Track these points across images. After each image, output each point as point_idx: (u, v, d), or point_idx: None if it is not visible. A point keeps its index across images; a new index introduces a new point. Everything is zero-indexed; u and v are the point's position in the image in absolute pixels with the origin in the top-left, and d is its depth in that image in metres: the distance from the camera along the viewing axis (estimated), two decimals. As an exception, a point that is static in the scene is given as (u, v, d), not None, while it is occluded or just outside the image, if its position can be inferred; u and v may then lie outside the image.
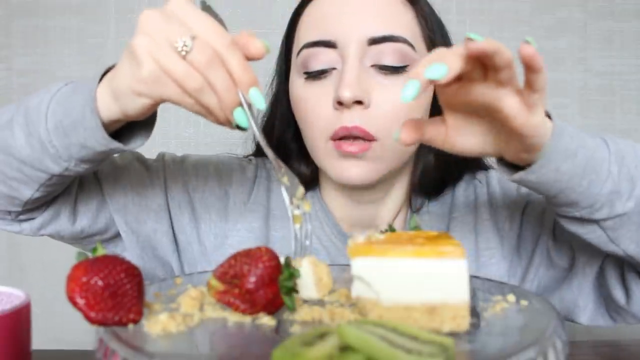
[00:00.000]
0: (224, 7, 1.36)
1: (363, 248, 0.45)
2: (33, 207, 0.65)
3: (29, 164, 0.58)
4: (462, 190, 0.80)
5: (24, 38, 1.39)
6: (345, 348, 0.35)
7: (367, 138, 0.66)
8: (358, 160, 0.67)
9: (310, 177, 0.78)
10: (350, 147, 0.66)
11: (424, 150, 0.77)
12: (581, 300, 0.70)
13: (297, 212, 0.54)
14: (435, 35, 0.72)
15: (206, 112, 0.51)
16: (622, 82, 1.43)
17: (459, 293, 0.43)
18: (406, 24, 0.69)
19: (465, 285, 0.43)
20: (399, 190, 0.77)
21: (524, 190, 0.77)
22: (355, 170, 0.67)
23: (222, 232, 0.76)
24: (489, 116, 0.51)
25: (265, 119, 0.81)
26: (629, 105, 1.44)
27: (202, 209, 0.77)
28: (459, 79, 0.49)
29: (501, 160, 0.57)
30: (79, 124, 0.54)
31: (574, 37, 1.42)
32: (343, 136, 0.66)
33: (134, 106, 0.52)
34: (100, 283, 0.42)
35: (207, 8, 0.54)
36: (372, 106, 0.66)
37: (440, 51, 0.47)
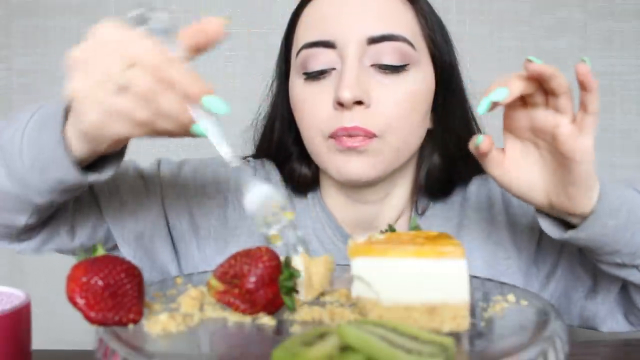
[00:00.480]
0: (224, 7, 1.36)
1: (363, 248, 0.45)
2: (30, 229, 0.64)
3: (14, 196, 0.57)
4: (474, 192, 0.78)
5: (24, 38, 1.39)
6: (345, 348, 0.35)
7: (368, 135, 0.66)
8: (359, 155, 0.67)
9: (312, 179, 0.78)
10: (350, 141, 0.65)
11: (428, 149, 0.76)
12: (603, 312, 0.70)
13: (272, 232, 0.52)
14: (436, 34, 0.72)
15: (167, 134, 0.49)
16: (622, 83, 1.43)
17: (459, 293, 0.43)
18: (406, 23, 0.69)
19: (466, 285, 0.43)
20: (401, 191, 0.77)
21: None
22: (355, 165, 0.67)
23: (222, 238, 0.76)
24: (545, 143, 0.56)
25: (266, 120, 0.81)
26: (629, 106, 1.44)
27: (201, 215, 0.76)
28: (524, 104, 0.55)
29: (544, 218, 0.61)
30: (52, 162, 0.53)
31: (574, 37, 1.42)
32: (341, 136, 0.66)
33: (100, 146, 0.50)
34: (100, 283, 0.42)
35: (143, 15, 0.50)
36: (373, 105, 0.66)
37: (505, 76, 0.53)
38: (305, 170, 0.78)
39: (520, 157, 0.58)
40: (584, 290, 0.71)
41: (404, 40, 0.67)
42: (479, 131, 0.78)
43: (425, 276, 0.43)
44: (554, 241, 0.71)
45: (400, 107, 0.67)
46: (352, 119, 0.65)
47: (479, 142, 0.57)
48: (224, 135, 0.49)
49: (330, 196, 0.78)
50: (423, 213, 0.77)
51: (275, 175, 0.81)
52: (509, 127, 0.59)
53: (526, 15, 1.42)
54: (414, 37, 0.69)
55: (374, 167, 0.67)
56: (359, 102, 0.65)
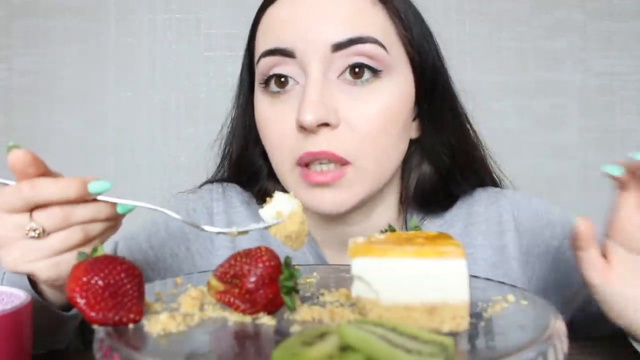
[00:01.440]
0: (224, 7, 1.36)
1: (363, 248, 0.45)
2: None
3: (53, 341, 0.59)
4: (482, 215, 0.71)
5: (25, 38, 1.40)
6: (345, 348, 0.35)
7: (340, 162, 0.59)
8: (331, 189, 0.61)
9: None
10: (320, 176, 0.59)
11: (415, 159, 0.71)
12: (597, 332, 0.65)
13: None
14: (414, 34, 0.64)
15: (109, 232, 0.51)
16: (622, 83, 1.43)
17: (459, 293, 0.43)
18: (376, 24, 0.61)
19: (465, 285, 0.43)
20: (385, 208, 0.71)
21: (558, 231, 0.70)
22: (328, 200, 0.61)
23: None
24: None
25: (228, 136, 0.77)
26: (629, 106, 1.44)
27: (172, 276, 0.73)
28: None
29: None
30: (40, 318, 0.53)
31: (573, 37, 1.42)
32: (308, 162, 0.60)
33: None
34: (100, 283, 0.42)
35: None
36: (342, 125, 0.59)
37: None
38: (273, 187, 0.71)
39: (628, 270, 0.51)
40: (591, 321, 0.67)
41: (374, 41, 0.59)
42: (475, 135, 0.73)
43: (425, 276, 0.43)
44: (572, 273, 0.64)
45: (373, 125, 0.60)
46: (318, 142, 0.59)
47: (576, 225, 0.51)
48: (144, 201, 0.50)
49: (310, 217, 0.71)
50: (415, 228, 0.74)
51: (237, 201, 0.76)
52: (620, 237, 0.51)
53: (525, 16, 1.42)
54: (387, 39, 0.61)
55: (348, 199, 0.61)
56: (325, 124, 0.59)
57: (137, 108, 1.41)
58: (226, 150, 0.77)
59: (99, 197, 0.48)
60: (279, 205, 0.50)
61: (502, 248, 0.70)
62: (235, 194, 0.76)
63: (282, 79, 0.62)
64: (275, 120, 0.62)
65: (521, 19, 1.41)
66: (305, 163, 0.60)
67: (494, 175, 0.76)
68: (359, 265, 0.44)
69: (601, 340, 0.64)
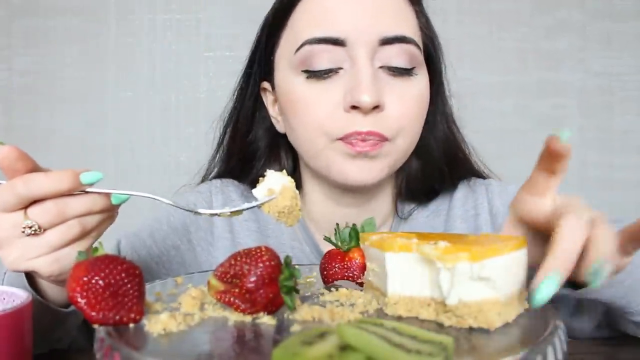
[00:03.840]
0: (224, 7, 1.37)
1: (484, 250, 0.42)
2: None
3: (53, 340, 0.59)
4: (460, 200, 0.77)
5: (25, 38, 1.40)
6: (345, 348, 0.35)
7: (381, 139, 0.64)
8: (369, 159, 0.65)
9: None
10: (364, 144, 0.64)
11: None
12: (589, 328, 0.67)
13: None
14: (432, 36, 0.72)
15: (107, 223, 0.51)
16: (621, 83, 1.43)
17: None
18: (412, 24, 0.68)
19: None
20: (385, 196, 0.75)
21: None
22: (363, 169, 0.65)
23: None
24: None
25: (228, 115, 0.79)
26: (628, 106, 1.44)
27: (176, 267, 0.75)
28: None
29: None
30: (41, 316, 0.54)
31: (573, 37, 1.43)
32: (355, 140, 0.64)
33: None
34: (101, 282, 0.42)
35: None
36: (385, 109, 0.65)
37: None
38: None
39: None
40: (569, 309, 0.68)
41: (414, 43, 0.66)
42: (460, 135, 0.78)
43: (522, 265, 0.46)
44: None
45: (410, 111, 0.66)
46: (367, 123, 0.64)
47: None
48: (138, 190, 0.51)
49: (312, 200, 0.75)
50: (406, 219, 0.76)
51: (235, 194, 0.79)
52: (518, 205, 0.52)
53: (525, 16, 1.42)
54: (419, 40, 0.68)
55: (381, 171, 0.66)
56: (375, 106, 0.64)
57: (137, 108, 1.41)
58: (228, 132, 0.80)
59: (92, 190, 0.48)
60: (270, 184, 0.51)
61: (476, 229, 0.76)
62: (233, 188, 0.80)
63: (328, 64, 0.65)
64: (316, 100, 0.66)
65: (521, 19, 1.41)
66: (350, 141, 0.64)
67: (480, 173, 0.81)
68: (490, 266, 0.42)
69: (601, 340, 0.64)
